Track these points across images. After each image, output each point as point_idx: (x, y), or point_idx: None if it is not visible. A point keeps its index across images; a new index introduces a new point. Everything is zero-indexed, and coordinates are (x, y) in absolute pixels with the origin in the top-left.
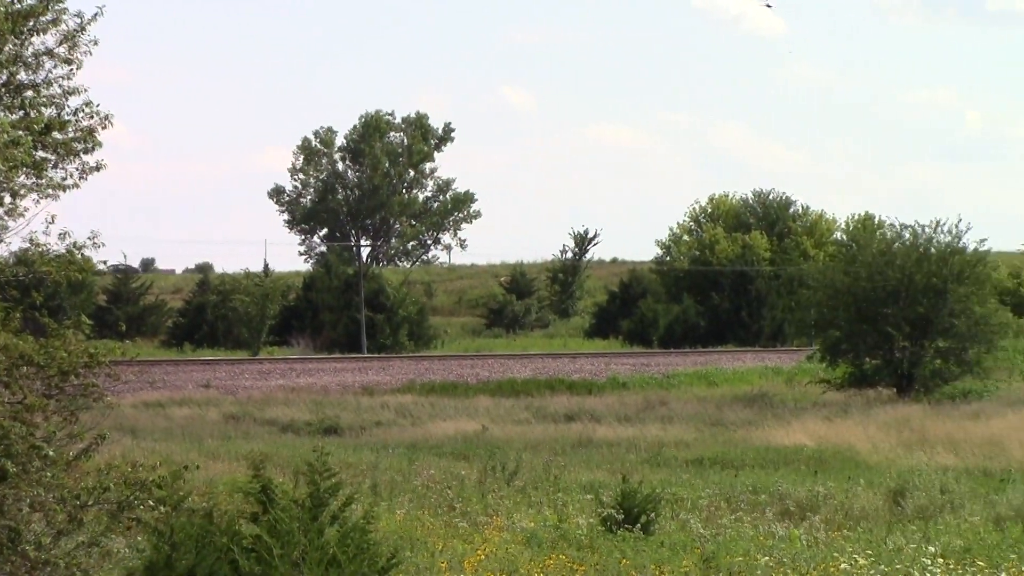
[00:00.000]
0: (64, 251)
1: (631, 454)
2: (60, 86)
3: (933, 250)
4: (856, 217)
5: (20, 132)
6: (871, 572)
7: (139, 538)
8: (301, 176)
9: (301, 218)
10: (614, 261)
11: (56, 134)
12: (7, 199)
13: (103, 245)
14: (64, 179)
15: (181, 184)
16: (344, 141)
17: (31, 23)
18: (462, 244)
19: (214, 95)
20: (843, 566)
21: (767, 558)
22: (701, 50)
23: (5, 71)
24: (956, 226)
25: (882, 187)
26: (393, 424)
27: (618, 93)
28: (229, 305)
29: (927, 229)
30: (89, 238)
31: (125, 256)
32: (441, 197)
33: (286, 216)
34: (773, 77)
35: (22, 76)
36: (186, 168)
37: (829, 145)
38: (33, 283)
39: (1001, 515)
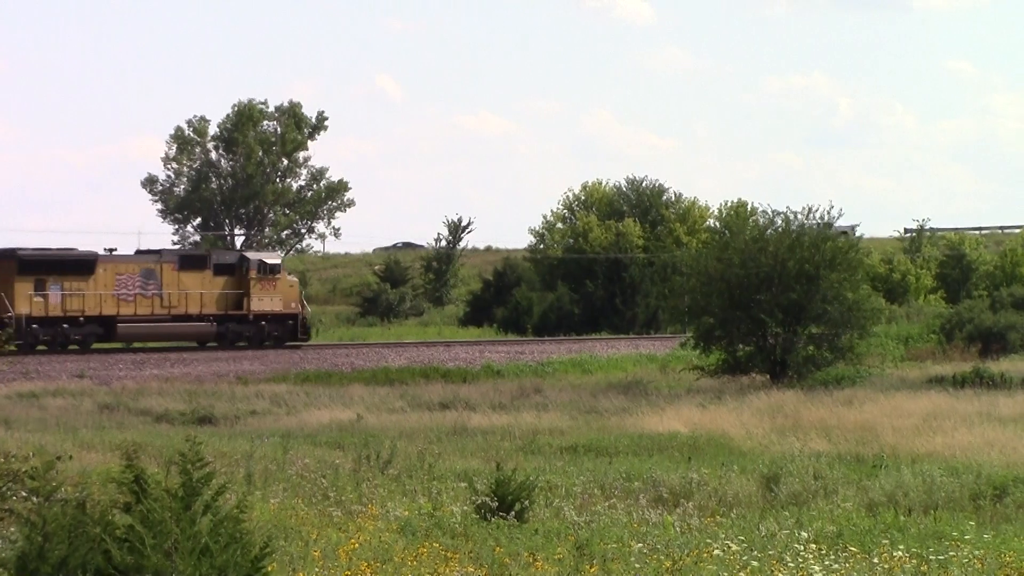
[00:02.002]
0: None
1: (505, 442)
2: None
3: (805, 236)
4: (729, 204)
5: None
6: (744, 558)
7: (11, 529)
8: (174, 165)
9: (175, 207)
10: (488, 249)
11: None
12: None
13: None
14: None
15: (54, 174)
16: (217, 130)
17: None
18: (336, 233)
19: (85, 84)
20: (716, 552)
21: (641, 545)
22: (570, 37)
23: None
24: (828, 212)
25: (754, 174)
26: (268, 413)
27: (489, 81)
28: None
29: (799, 215)
30: None
31: None
32: (315, 186)
33: (160, 206)
34: (643, 64)
35: None
36: (58, 158)
37: (701, 132)
38: None
39: (873, 500)
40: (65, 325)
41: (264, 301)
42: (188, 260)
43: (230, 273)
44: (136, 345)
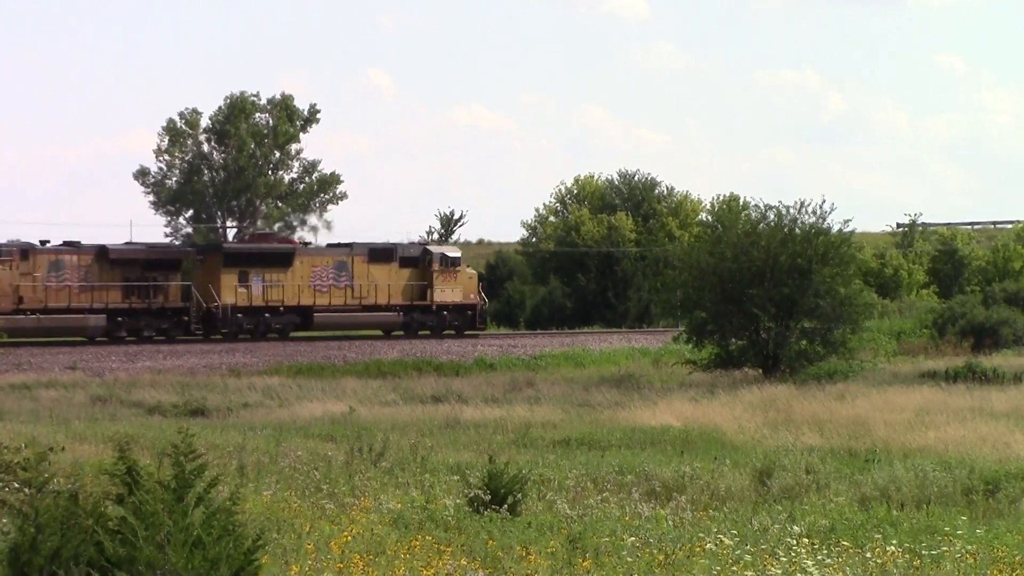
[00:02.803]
0: None
1: (498, 435)
2: None
3: (798, 231)
4: (721, 198)
5: None
6: (736, 552)
7: (4, 520)
8: (166, 157)
9: (167, 199)
10: (480, 242)
11: None
12: None
13: None
14: None
15: (45, 166)
16: (209, 122)
17: None
18: (328, 226)
19: (78, 77)
20: (709, 546)
21: (633, 538)
22: (563, 31)
23: None
24: (820, 207)
25: (746, 168)
26: (260, 405)
27: (482, 76)
28: None
29: (792, 210)
30: None
31: None
32: (307, 178)
33: (151, 198)
34: (636, 59)
35: None
36: (50, 150)
37: (693, 127)
38: None
39: (866, 495)
40: (267, 315)
41: (446, 292)
42: (377, 253)
43: (414, 265)
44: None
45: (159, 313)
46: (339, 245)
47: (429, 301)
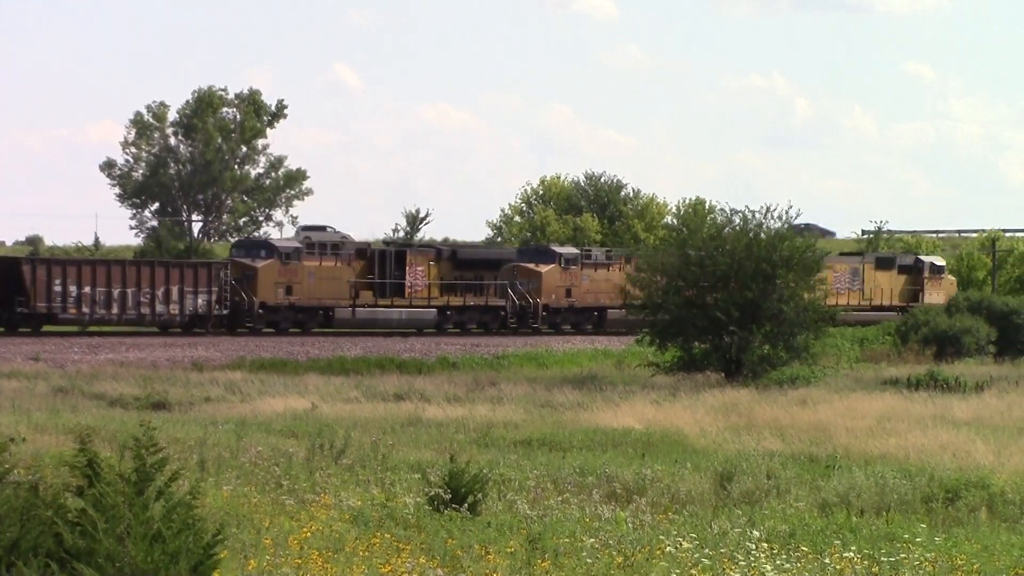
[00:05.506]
0: None
1: (460, 434)
2: None
3: (763, 236)
4: (687, 201)
5: None
6: (696, 556)
7: None
8: (133, 150)
9: (132, 192)
10: (445, 241)
11: None
12: None
13: None
14: None
15: (11, 156)
16: (177, 116)
17: None
18: (293, 221)
19: (46, 67)
20: (668, 549)
21: (593, 540)
22: (531, 31)
23: None
24: (786, 212)
25: (712, 172)
26: (222, 400)
27: (450, 74)
28: None
29: (757, 214)
30: None
31: None
32: (273, 174)
33: (118, 190)
34: (603, 60)
35: None
36: (16, 140)
37: (660, 130)
38: None
39: (826, 501)
40: None
41: (934, 296)
42: (881, 262)
43: (909, 272)
44: (92, 328)
45: None
46: (851, 254)
47: (920, 303)
